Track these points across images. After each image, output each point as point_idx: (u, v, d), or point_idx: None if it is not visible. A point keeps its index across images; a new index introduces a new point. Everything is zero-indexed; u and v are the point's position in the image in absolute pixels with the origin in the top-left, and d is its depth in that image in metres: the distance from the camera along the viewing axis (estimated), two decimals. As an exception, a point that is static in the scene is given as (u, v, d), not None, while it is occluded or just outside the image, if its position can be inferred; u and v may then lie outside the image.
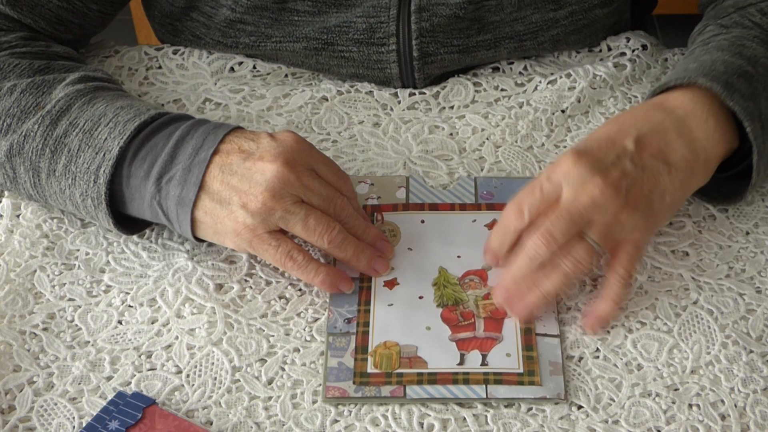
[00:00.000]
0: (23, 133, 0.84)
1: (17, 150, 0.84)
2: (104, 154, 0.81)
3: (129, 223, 0.85)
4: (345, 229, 0.81)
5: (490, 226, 0.86)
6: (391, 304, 0.81)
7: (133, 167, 0.81)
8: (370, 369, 0.77)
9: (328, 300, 0.82)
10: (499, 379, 0.76)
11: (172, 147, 0.81)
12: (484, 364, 0.77)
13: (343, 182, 0.83)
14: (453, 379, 0.76)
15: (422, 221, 0.87)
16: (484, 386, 0.76)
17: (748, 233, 0.88)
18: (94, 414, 0.75)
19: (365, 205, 0.88)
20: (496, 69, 1.02)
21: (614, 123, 0.82)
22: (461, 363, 0.77)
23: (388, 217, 0.88)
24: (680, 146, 0.80)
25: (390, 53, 0.97)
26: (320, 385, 0.77)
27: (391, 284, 0.83)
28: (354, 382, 0.76)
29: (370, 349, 0.78)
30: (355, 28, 0.96)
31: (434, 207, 0.88)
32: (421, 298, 0.82)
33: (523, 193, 0.78)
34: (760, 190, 0.91)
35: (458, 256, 0.84)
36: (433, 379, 0.76)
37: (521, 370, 0.77)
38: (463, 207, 0.88)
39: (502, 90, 1.00)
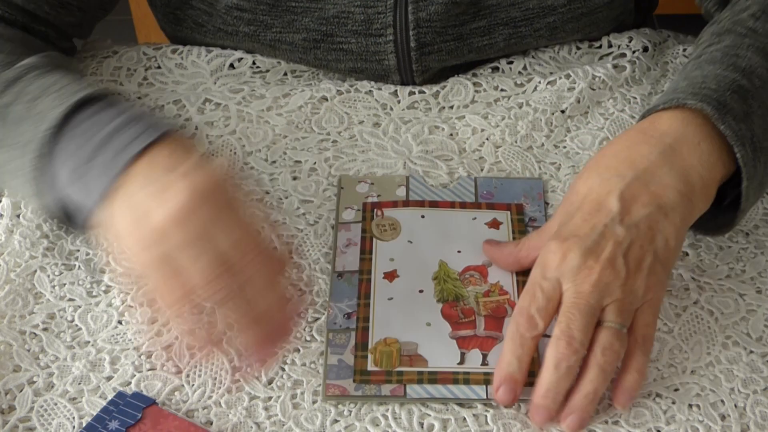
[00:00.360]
0: None
1: None
2: (42, 126, 0.75)
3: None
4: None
5: (491, 224, 0.87)
6: (391, 298, 0.81)
7: (70, 141, 0.75)
8: (371, 367, 0.77)
9: (328, 298, 0.82)
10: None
11: (110, 131, 0.74)
12: (484, 363, 0.77)
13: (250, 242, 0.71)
14: (453, 378, 0.76)
15: (422, 216, 0.87)
16: (484, 386, 0.76)
17: (748, 234, 0.88)
18: (94, 414, 0.75)
19: (365, 202, 0.88)
20: (495, 69, 1.02)
21: (593, 171, 0.76)
22: (461, 362, 0.77)
23: (388, 213, 0.88)
24: (672, 180, 0.76)
25: (387, 44, 0.98)
26: (320, 384, 0.77)
27: (391, 276, 0.83)
28: (354, 380, 0.76)
29: (370, 346, 0.78)
30: (353, 19, 0.97)
31: (434, 204, 0.88)
32: (421, 291, 0.82)
33: (525, 299, 0.74)
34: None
35: (458, 251, 0.84)
36: (434, 378, 0.76)
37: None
38: (464, 205, 0.88)
39: (501, 90, 1.00)
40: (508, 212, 0.88)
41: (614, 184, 0.75)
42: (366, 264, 0.84)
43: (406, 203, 0.89)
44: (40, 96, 0.79)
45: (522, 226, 0.87)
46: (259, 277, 0.70)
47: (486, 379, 0.76)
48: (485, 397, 0.75)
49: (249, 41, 1.01)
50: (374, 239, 0.86)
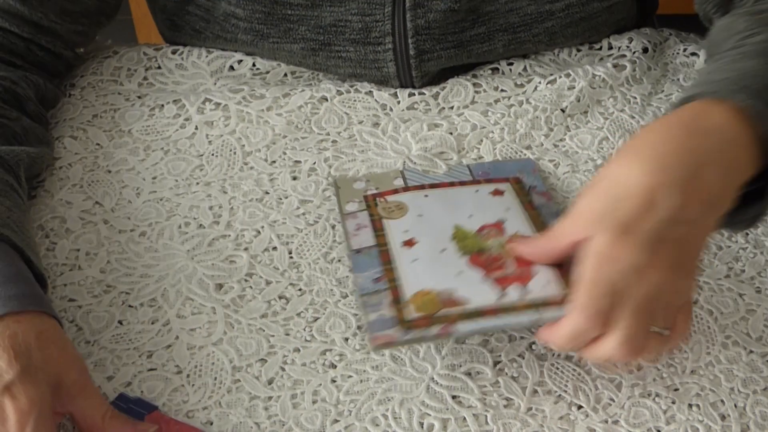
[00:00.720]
0: None
1: None
2: None
3: None
4: None
5: (494, 193, 0.86)
6: (416, 259, 0.80)
7: None
8: (413, 314, 0.76)
9: (349, 272, 0.82)
10: (546, 302, 0.75)
11: None
12: (525, 294, 0.76)
13: None
14: (498, 311, 0.75)
15: (426, 195, 0.87)
16: (531, 312, 0.74)
17: (747, 234, 0.88)
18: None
19: (365, 195, 0.88)
20: (495, 70, 1.02)
21: (636, 160, 0.71)
22: (502, 298, 0.76)
23: (392, 198, 0.87)
24: (720, 179, 0.71)
25: (386, 52, 0.97)
26: (320, 385, 0.77)
27: (410, 243, 0.82)
28: (400, 328, 0.75)
29: (406, 299, 0.77)
30: (351, 28, 0.97)
31: (434, 185, 0.88)
32: (443, 250, 0.81)
33: (586, 296, 0.70)
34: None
35: (470, 216, 0.84)
36: (478, 314, 0.75)
37: (566, 291, 0.75)
38: (463, 183, 0.89)
39: (501, 91, 1.00)
40: (508, 183, 0.88)
41: (666, 177, 0.70)
42: (381, 239, 0.83)
43: (407, 189, 0.88)
44: None
45: (525, 192, 0.87)
46: None
47: (532, 305, 0.75)
48: (536, 320, 0.74)
49: (247, 48, 1.01)
50: (384, 220, 0.85)
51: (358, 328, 0.80)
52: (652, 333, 0.71)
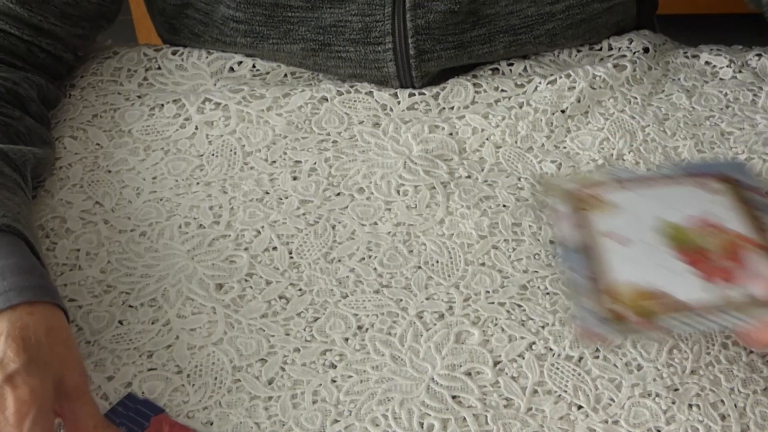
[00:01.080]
0: None
1: None
2: None
3: None
4: None
5: (709, 190, 0.85)
6: (627, 255, 0.80)
7: None
8: (625, 311, 0.75)
9: (555, 263, 0.83)
10: (763, 302, 0.74)
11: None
12: (741, 291, 0.75)
13: None
14: (712, 308, 0.74)
15: (635, 191, 0.86)
16: (749, 310, 0.73)
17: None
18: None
19: (572, 191, 0.87)
20: (495, 70, 1.02)
21: None
22: (715, 295, 0.75)
23: (600, 193, 0.86)
24: None
25: (386, 52, 0.97)
26: (320, 385, 0.77)
27: (620, 240, 0.81)
28: (609, 325, 0.75)
29: (618, 296, 0.77)
30: (351, 28, 0.97)
31: (644, 179, 0.88)
32: (649, 243, 0.80)
33: None
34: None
35: (684, 212, 0.83)
36: (691, 310, 0.74)
37: None
38: (674, 180, 0.87)
39: (502, 91, 1.00)
40: (722, 181, 0.86)
41: None
42: (585, 232, 0.82)
43: (606, 183, 0.87)
44: None
45: (741, 191, 0.85)
46: None
47: (748, 303, 0.73)
48: (750, 320, 0.73)
49: (248, 50, 1.01)
50: (587, 213, 0.84)
51: (359, 328, 0.80)
52: None
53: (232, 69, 1.03)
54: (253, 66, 1.03)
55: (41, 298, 0.72)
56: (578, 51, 1.05)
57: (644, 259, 0.79)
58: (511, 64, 1.02)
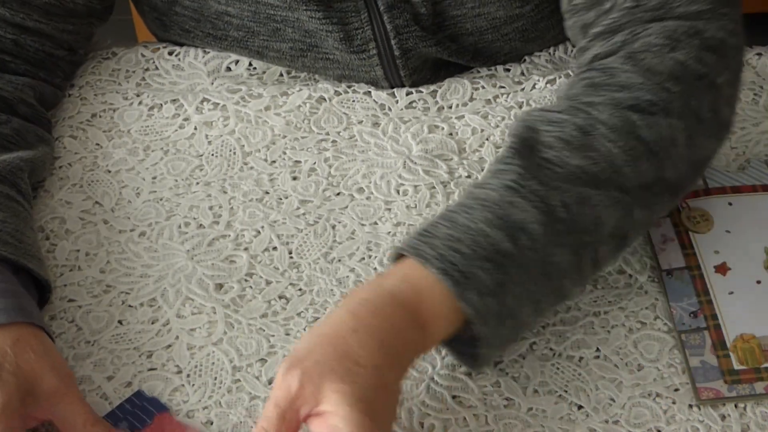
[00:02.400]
0: None
1: None
2: None
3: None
4: None
5: None
6: (732, 292, 0.80)
7: None
8: (736, 366, 0.76)
9: (665, 298, 0.81)
10: None
11: None
12: None
13: None
14: None
15: (729, 204, 0.85)
16: None
17: (747, 233, 0.88)
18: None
19: None
20: (492, 75, 1.02)
21: (381, 353, 0.69)
22: None
23: (694, 204, 0.86)
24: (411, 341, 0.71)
25: (372, 58, 0.97)
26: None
27: (723, 269, 0.81)
28: (725, 382, 0.75)
29: (728, 344, 0.77)
30: (334, 37, 0.96)
31: (737, 189, 0.87)
32: (759, 282, 0.80)
33: None
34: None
35: None
36: None
37: None
38: (766, 188, 0.87)
39: (500, 87, 1.00)
40: None
41: (393, 369, 0.70)
42: (692, 259, 0.82)
43: (708, 191, 0.87)
44: None
45: None
46: None
47: None
48: None
49: (238, 47, 1.01)
50: (690, 232, 0.84)
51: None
52: None
53: (228, 68, 1.03)
54: (250, 64, 1.03)
55: (12, 320, 0.73)
56: (573, 46, 1.04)
57: (752, 299, 0.79)
58: (508, 70, 1.02)
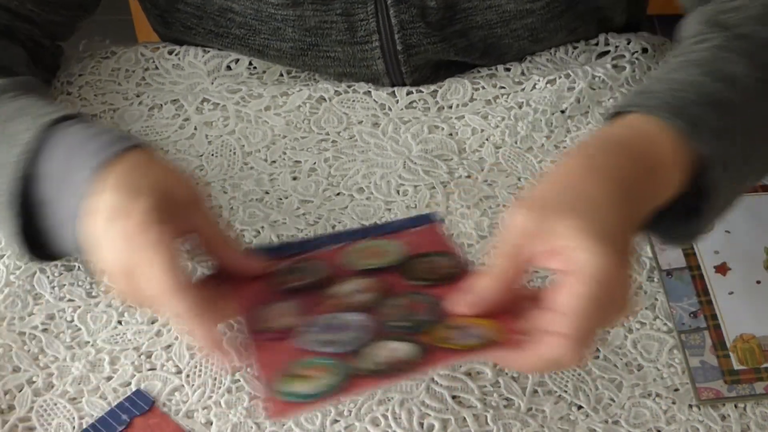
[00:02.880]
0: None
1: None
2: (13, 149, 0.76)
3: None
4: None
5: None
6: (732, 292, 0.80)
7: (40, 171, 0.76)
8: (736, 366, 0.76)
9: (665, 298, 0.81)
10: None
11: (76, 145, 0.75)
12: None
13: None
14: None
15: None
16: None
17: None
18: (94, 414, 0.75)
19: None
20: (492, 76, 1.02)
21: (619, 190, 0.68)
22: None
23: None
24: (643, 196, 0.70)
25: (374, 50, 0.97)
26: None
27: (722, 269, 0.81)
28: (725, 382, 0.75)
29: (728, 344, 0.77)
30: (336, 29, 0.96)
31: None
32: (758, 282, 0.80)
33: None
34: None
35: None
36: None
37: None
38: (765, 188, 0.87)
39: (500, 88, 1.00)
40: None
41: (633, 206, 0.69)
42: (692, 259, 0.82)
43: None
44: (14, 118, 0.78)
45: None
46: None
47: None
48: None
49: (239, 44, 1.01)
50: None
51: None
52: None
53: (228, 67, 1.03)
54: (250, 63, 1.03)
55: (121, 147, 0.73)
56: (574, 47, 1.04)
57: (751, 299, 0.79)
58: (508, 69, 1.02)
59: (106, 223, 0.70)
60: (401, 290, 0.71)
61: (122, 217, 0.69)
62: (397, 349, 0.65)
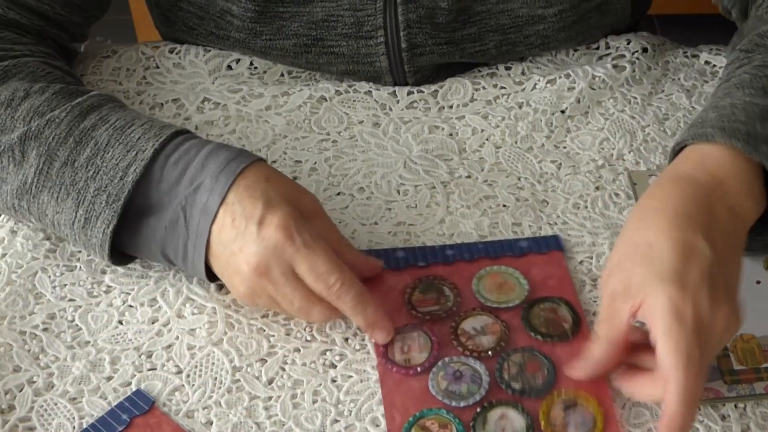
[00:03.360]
0: (47, 119, 0.81)
1: (35, 133, 0.81)
2: (136, 153, 0.79)
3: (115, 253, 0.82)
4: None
5: None
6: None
7: (165, 171, 0.79)
8: (736, 366, 0.76)
9: None
10: None
11: (205, 155, 0.80)
12: None
13: (326, 285, 0.76)
14: None
15: None
16: None
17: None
18: (94, 414, 0.75)
19: None
20: (493, 75, 1.02)
21: (671, 219, 0.73)
22: None
23: None
24: (730, 221, 0.75)
25: (378, 46, 0.97)
26: (320, 385, 0.77)
27: None
28: (725, 381, 0.75)
29: (728, 345, 0.77)
30: (343, 22, 0.97)
31: None
32: (758, 283, 0.81)
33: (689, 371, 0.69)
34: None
35: None
36: None
37: None
38: None
39: (501, 88, 1.00)
40: None
41: (693, 227, 0.73)
42: None
43: None
44: (129, 126, 0.81)
45: None
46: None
47: None
48: None
49: (240, 47, 1.01)
50: None
51: (359, 327, 0.80)
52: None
53: (229, 67, 1.03)
54: (251, 63, 1.03)
55: (251, 160, 0.79)
56: (575, 50, 1.05)
57: (751, 299, 0.78)
58: (509, 68, 1.02)
59: (248, 230, 0.76)
60: (521, 342, 0.78)
61: (266, 225, 0.76)
62: (511, 419, 0.73)
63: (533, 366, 0.75)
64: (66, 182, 0.80)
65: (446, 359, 0.76)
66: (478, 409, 0.73)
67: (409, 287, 0.81)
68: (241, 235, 0.76)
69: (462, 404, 0.74)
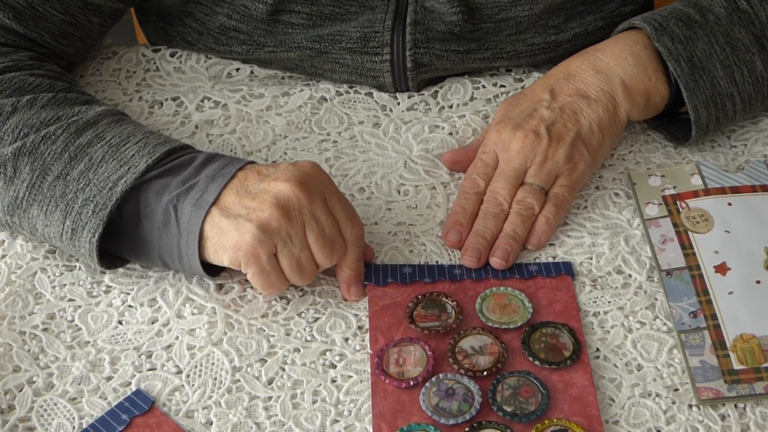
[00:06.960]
0: (42, 135, 0.81)
1: (30, 149, 0.81)
2: (129, 168, 0.79)
3: (106, 257, 0.82)
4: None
5: None
6: (731, 292, 0.80)
7: (152, 185, 0.79)
8: (736, 365, 0.76)
9: (665, 298, 0.82)
10: None
11: (198, 164, 0.80)
12: None
13: (352, 224, 0.81)
14: None
15: (729, 204, 0.86)
16: None
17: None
18: (94, 414, 0.75)
19: (664, 195, 0.88)
20: (493, 74, 1.02)
21: (538, 81, 0.94)
22: None
23: (693, 204, 0.86)
24: (597, 81, 0.91)
25: (384, 63, 0.97)
26: (320, 385, 0.77)
27: (722, 269, 0.81)
28: (725, 381, 0.75)
29: (728, 344, 0.77)
30: (349, 37, 0.96)
31: (736, 189, 0.87)
32: (758, 282, 0.81)
33: (470, 169, 0.89)
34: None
35: None
36: None
37: None
38: (765, 188, 0.87)
39: (501, 86, 1.00)
40: None
41: (547, 84, 0.92)
42: (691, 259, 0.83)
43: (707, 191, 0.87)
44: (124, 143, 0.81)
45: None
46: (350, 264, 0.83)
47: None
48: None
49: (241, 59, 1.01)
50: (689, 233, 0.84)
51: (359, 328, 0.80)
52: (523, 185, 0.88)
53: (230, 74, 1.02)
54: (251, 72, 1.02)
55: (235, 167, 0.80)
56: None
57: (751, 299, 0.79)
58: (510, 70, 1.02)
59: (271, 176, 0.79)
60: (518, 366, 0.78)
61: (294, 167, 0.80)
62: None
63: (528, 391, 0.75)
64: (56, 195, 0.80)
65: (440, 375, 0.76)
66: (467, 429, 0.73)
67: (411, 301, 0.81)
68: (259, 186, 0.79)
69: (451, 422, 0.73)
